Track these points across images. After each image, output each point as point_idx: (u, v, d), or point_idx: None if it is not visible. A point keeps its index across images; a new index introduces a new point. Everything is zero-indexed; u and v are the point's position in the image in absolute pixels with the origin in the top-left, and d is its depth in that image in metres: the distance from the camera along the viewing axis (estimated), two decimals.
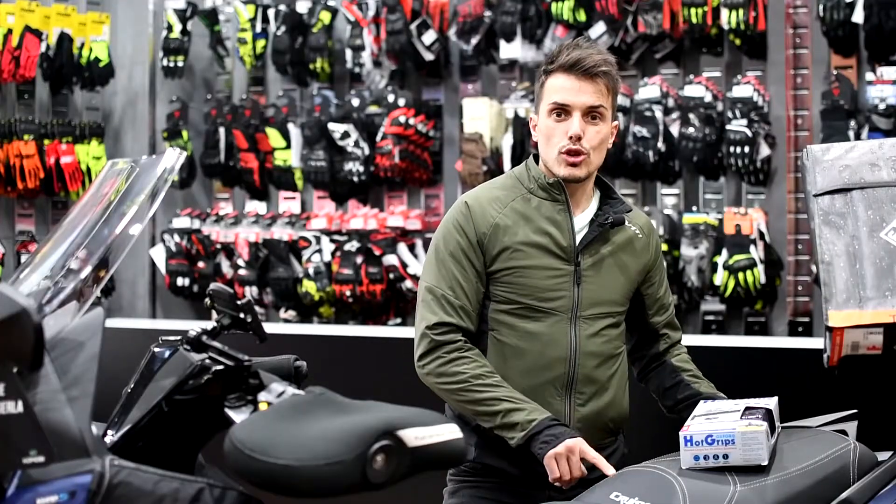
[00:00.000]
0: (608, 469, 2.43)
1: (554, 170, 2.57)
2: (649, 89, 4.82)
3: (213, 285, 2.10)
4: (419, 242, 5.30)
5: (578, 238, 2.58)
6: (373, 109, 5.32)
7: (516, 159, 4.89)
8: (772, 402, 2.45)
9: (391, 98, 5.27)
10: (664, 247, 4.68)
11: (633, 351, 2.79)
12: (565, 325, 2.55)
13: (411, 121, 5.20)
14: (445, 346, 2.52)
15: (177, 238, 5.56)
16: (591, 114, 2.55)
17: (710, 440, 2.29)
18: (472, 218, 2.57)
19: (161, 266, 5.63)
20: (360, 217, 5.33)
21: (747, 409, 2.39)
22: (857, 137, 4.40)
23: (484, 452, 2.58)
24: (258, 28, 5.58)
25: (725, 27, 4.67)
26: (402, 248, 5.24)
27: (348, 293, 5.19)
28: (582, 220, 2.61)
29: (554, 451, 2.42)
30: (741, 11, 4.61)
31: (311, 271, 5.30)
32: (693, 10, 4.70)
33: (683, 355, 2.78)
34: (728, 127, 4.66)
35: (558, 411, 2.54)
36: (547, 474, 2.55)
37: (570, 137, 2.53)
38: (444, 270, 2.56)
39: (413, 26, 5.22)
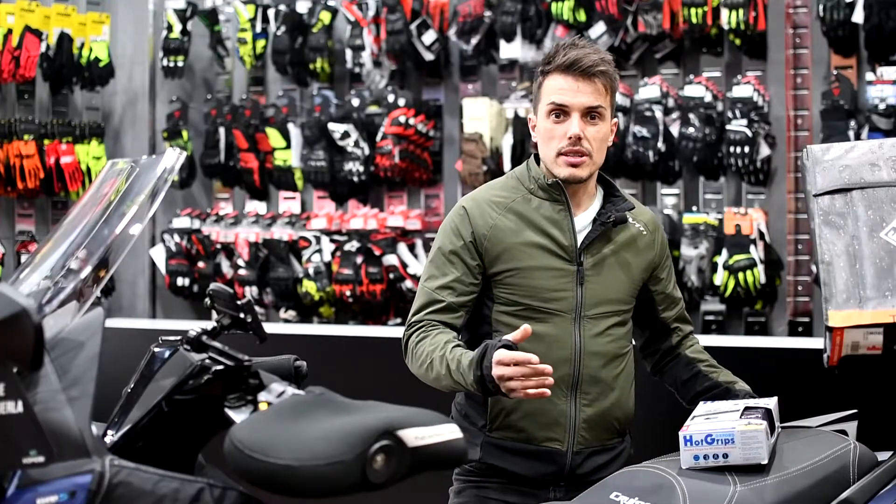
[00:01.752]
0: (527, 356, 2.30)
1: (554, 171, 2.57)
2: (649, 89, 4.82)
3: (213, 285, 2.10)
4: (419, 242, 5.30)
5: (581, 237, 2.58)
6: (373, 109, 5.32)
7: (516, 159, 4.89)
8: (771, 402, 2.45)
9: (391, 98, 5.27)
10: None
11: (644, 346, 2.78)
12: (569, 325, 2.55)
13: (411, 121, 5.20)
14: (414, 334, 2.55)
15: (177, 238, 5.56)
16: (590, 114, 2.54)
17: (709, 440, 2.29)
18: (470, 220, 2.58)
19: (161, 266, 5.63)
20: (360, 217, 5.33)
21: (747, 408, 2.39)
22: (857, 137, 4.40)
23: (489, 452, 2.59)
24: (258, 28, 5.58)
25: (725, 27, 4.67)
26: (402, 248, 5.24)
27: (348, 293, 5.19)
28: (584, 219, 2.60)
29: (513, 393, 2.31)
30: (741, 11, 4.60)
31: (311, 271, 5.30)
32: (693, 10, 4.70)
33: (697, 346, 2.76)
34: (728, 127, 4.66)
35: (563, 412, 2.54)
36: (553, 473, 2.56)
37: (570, 138, 2.52)
38: (434, 271, 2.59)
39: (413, 26, 5.22)
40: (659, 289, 2.71)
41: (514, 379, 2.29)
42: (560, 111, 2.54)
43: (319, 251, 5.32)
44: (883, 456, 2.39)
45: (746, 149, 4.62)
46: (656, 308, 2.72)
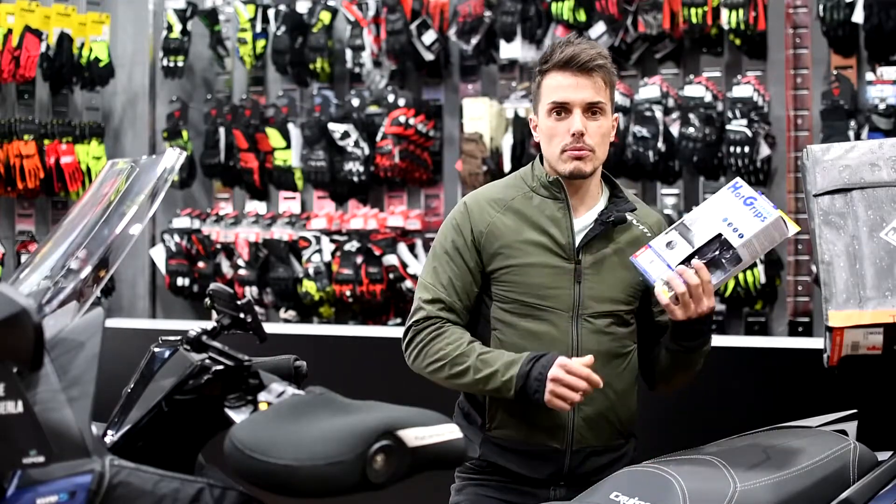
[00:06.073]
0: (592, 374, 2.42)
1: (559, 168, 2.57)
2: (649, 89, 4.82)
3: (213, 285, 2.10)
4: (419, 242, 5.30)
5: (580, 236, 2.57)
6: (373, 109, 5.33)
7: (516, 159, 4.89)
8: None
9: (391, 98, 5.27)
10: None
11: (641, 352, 2.71)
12: (567, 323, 2.54)
13: (411, 121, 5.20)
14: (424, 330, 2.56)
15: (177, 238, 5.56)
16: (592, 109, 2.54)
17: (750, 202, 2.40)
18: (470, 217, 2.59)
19: (161, 266, 5.64)
20: (360, 217, 5.33)
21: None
22: (857, 137, 4.40)
23: (489, 451, 2.58)
24: (258, 28, 5.59)
25: (725, 27, 4.67)
26: (402, 248, 5.24)
27: (348, 293, 5.19)
28: (587, 218, 2.60)
29: (547, 394, 2.42)
30: (741, 11, 4.61)
31: (311, 271, 5.30)
32: (693, 10, 4.70)
33: None
34: (728, 127, 4.66)
35: (562, 410, 2.53)
36: (553, 473, 2.55)
37: (573, 135, 2.52)
38: (437, 267, 2.60)
39: (413, 26, 5.22)
40: None
41: (567, 386, 2.39)
42: (561, 108, 2.54)
43: (319, 251, 5.32)
44: (883, 456, 2.39)
45: (746, 149, 4.61)
46: (651, 310, 2.70)
